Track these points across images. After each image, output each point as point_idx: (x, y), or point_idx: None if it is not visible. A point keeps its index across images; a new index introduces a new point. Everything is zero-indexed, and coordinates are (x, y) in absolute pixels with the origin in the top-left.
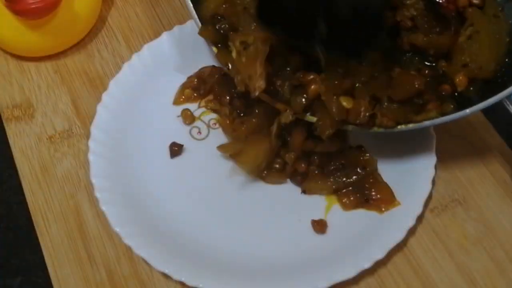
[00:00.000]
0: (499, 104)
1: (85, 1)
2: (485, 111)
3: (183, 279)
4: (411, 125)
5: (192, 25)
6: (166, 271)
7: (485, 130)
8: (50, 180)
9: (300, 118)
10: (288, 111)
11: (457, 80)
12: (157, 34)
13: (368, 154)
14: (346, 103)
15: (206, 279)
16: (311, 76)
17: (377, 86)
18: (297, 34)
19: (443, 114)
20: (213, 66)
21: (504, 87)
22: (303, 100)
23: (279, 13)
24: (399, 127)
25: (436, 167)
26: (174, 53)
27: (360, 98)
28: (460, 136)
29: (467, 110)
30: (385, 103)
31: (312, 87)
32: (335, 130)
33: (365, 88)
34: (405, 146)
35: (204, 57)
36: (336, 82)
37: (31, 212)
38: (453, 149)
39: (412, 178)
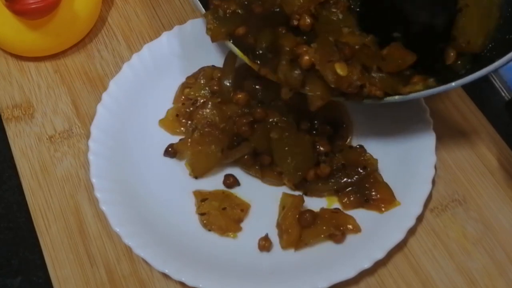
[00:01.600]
0: (499, 101)
1: (85, 1)
2: (486, 110)
3: (183, 279)
4: (397, 97)
5: (192, 25)
6: (166, 271)
7: (486, 130)
8: (50, 180)
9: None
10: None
11: (445, 53)
12: (157, 34)
13: (368, 154)
14: (340, 70)
15: (206, 279)
16: (304, 48)
17: (367, 55)
18: None
19: (429, 87)
20: (213, 66)
21: (492, 62)
22: (298, 73)
23: None
24: (386, 98)
25: (436, 167)
26: (174, 53)
27: (352, 66)
28: (460, 136)
29: (453, 83)
30: (374, 73)
31: (305, 57)
32: (326, 102)
33: (357, 57)
34: (405, 146)
35: (204, 57)
36: (328, 50)
37: (31, 212)
38: (453, 149)
39: (412, 178)
